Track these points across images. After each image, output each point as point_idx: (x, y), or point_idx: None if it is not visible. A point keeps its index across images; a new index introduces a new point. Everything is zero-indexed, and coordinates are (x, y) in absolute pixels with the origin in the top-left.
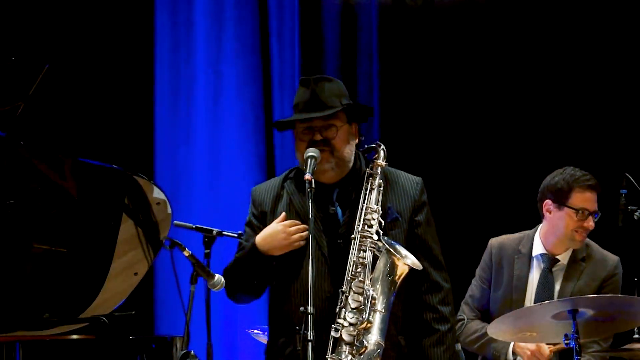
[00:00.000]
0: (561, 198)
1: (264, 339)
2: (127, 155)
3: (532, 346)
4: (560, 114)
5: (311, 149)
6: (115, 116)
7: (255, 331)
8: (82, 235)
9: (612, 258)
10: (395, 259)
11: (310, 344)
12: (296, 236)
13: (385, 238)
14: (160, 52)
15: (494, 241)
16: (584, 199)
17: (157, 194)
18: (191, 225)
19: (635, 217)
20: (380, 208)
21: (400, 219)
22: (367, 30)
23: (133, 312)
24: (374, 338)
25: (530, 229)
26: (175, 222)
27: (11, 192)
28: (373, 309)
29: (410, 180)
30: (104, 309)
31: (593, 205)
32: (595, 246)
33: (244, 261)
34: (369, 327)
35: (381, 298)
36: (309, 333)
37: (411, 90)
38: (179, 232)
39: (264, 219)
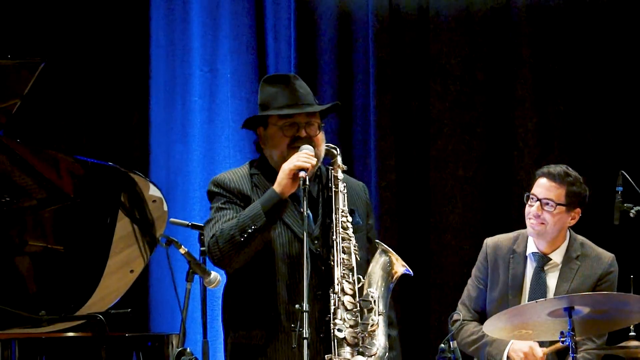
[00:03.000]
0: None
1: None
2: (123, 153)
3: (525, 349)
4: (558, 112)
5: (306, 145)
6: (111, 114)
7: None
8: (79, 233)
9: (607, 256)
10: (394, 258)
11: (305, 341)
12: (304, 158)
13: (377, 241)
14: (155, 50)
15: (489, 241)
16: (537, 184)
17: (153, 191)
18: (187, 222)
19: (631, 215)
20: (347, 210)
21: (361, 223)
22: (362, 35)
23: (129, 310)
24: (380, 340)
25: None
26: (171, 219)
27: (6, 189)
28: (378, 311)
29: (358, 185)
30: (100, 306)
31: (542, 192)
32: (590, 244)
33: (253, 213)
34: (376, 329)
35: (382, 300)
36: (304, 331)
37: (409, 90)
38: (175, 230)
39: (247, 201)
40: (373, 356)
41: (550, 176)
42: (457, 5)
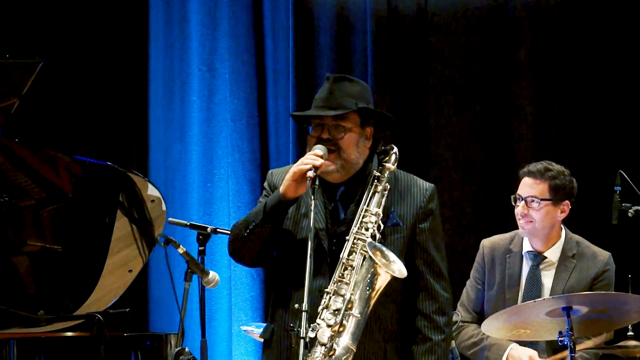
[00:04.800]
0: None
1: (258, 336)
2: (122, 153)
3: (525, 358)
4: (557, 111)
5: (318, 145)
6: (110, 113)
7: (250, 328)
8: (77, 233)
9: (603, 254)
10: (377, 267)
11: (302, 341)
12: (308, 159)
13: (372, 243)
14: (154, 50)
15: (485, 242)
16: (520, 184)
17: (152, 191)
18: (185, 222)
19: (630, 215)
20: (381, 212)
21: (401, 224)
22: (360, 34)
23: (128, 309)
24: (344, 342)
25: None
26: (169, 219)
27: (5, 188)
28: (349, 313)
29: (419, 187)
30: (98, 306)
31: (525, 191)
32: (586, 243)
33: (258, 209)
34: (342, 331)
35: (359, 303)
36: (302, 330)
37: (408, 90)
38: (173, 230)
39: None
40: (332, 356)
41: (531, 174)
42: (455, 4)
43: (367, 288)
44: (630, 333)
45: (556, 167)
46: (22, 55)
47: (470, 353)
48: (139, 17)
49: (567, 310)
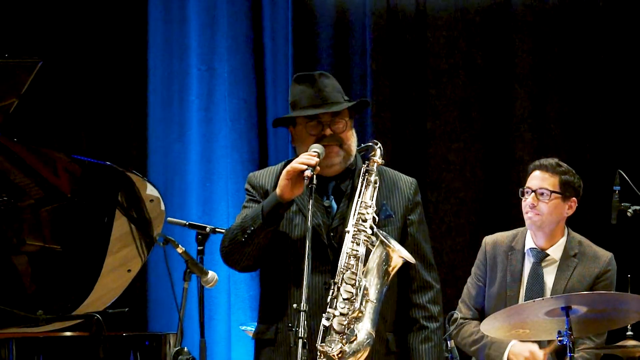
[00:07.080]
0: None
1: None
2: (121, 152)
3: (525, 353)
4: (556, 111)
5: (316, 145)
6: (109, 113)
7: (249, 328)
8: (76, 232)
9: (605, 255)
10: (390, 250)
11: (301, 340)
12: (303, 159)
13: (380, 231)
14: (153, 49)
15: (488, 239)
16: (530, 177)
17: (151, 191)
18: (184, 222)
19: (629, 214)
20: (374, 204)
21: (393, 216)
22: (360, 34)
23: (126, 309)
24: (365, 327)
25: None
26: (168, 219)
27: (4, 188)
28: (365, 299)
29: (405, 181)
30: (97, 305)
31: (536, 183)
32: (588, 243)
33: (255, 214)
34: (360, 317)
35: (373, 289)
36: (300, 330)
37: (407, 89)
38: (172, 229)
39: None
40: (354, 341)
41: (543, 167)
42: (455, 3)
43: (381, 274)
44: (629, 333)
45: (565, 164)
46: (21, 55)
47: (472, 350)
48: (138, 17)
49: (566, 310)
